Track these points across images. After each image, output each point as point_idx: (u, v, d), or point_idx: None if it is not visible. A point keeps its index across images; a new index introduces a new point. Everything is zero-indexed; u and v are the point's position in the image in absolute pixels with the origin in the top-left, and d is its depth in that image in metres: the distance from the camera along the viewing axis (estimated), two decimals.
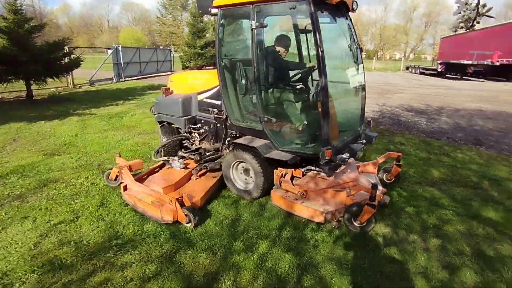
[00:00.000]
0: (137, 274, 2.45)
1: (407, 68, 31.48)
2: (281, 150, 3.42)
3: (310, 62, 4.00)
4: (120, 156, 3.85)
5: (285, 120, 3.63)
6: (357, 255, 2.79)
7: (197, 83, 4.29)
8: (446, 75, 25.09)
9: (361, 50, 3.60)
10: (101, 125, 7.14)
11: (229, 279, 2.44)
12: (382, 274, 2.56)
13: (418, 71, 28.63)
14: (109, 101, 10.17)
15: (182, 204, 3.06)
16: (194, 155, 3.95)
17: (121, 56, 16.30)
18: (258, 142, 3.45)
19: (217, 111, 3.94)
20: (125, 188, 3.51)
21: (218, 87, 3.84)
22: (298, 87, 3.65)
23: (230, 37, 3.73)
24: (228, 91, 3.69)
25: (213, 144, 4.23)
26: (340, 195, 3.30)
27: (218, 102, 3.97)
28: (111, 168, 3.85)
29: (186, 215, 3.01)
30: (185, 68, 22.65)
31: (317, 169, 3.56)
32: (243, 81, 3.59)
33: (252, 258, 2.69)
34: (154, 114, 4.75)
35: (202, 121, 4.27)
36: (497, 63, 19.89)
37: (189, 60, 21.82)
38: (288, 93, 3.74)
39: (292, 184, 3.50)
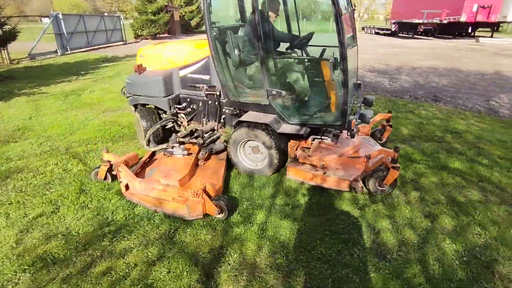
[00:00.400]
0: (140, 259, 2.38)
1: (363, 28, 32.06)
2: (291, 124, 3.31)
3: (298, 29, 3.87)
4: (108, 151, 3.32)
5: (292, 91, 3.44)
6: (349, 214, 2.95)
7: (177, 57, 3.82)
8: (399, 34, 26.04)
9: (354, 10, 3.49)
10: (57, 105, 6.48)
11: (234, 251, 2.47)
12: (375, 229, 2.75)
13: (373, 31, 29.33)
14: (59, 77, 9.18)
15: (208, 195, 2.80)
16: (197, 138, 3.61)
17: (63, 25, 14.54)
18: (267, 118, 3.28)
19: (207, 87, 3.64)
20: (127, 187, 3.08)
21: (204, 60, 3.53)
22: (296, 55, 3.48)
23: (218, 2, 3.40)
24: (223, 64, 3.37)
25: (206, 124, 3.91)
26: (359, 161, 3.34)
27: (207, 77, 3.65)
28: (99, 167, 3.37)
29: (216, 205, 2.75)
30: (138, 37, 21.01)
31: (322, 137, 3.54)
32: (241, 52, 3.29)
33: (253, 229, 2.73)
34: (128, 97, 4.17)
35: (188, 100, 3.91)
36: (445, 21, 20.96)
37: (141, 28, 20.22)
38: (292, 63, 3.56)
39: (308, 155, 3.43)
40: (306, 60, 3.68)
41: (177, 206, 2.84)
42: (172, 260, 2.36)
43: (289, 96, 3.33)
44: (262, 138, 3.31)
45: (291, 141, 3.44)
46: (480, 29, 23.06)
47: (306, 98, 3.48)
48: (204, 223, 2.80)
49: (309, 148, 3.58)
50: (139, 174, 3.28)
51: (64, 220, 2.84)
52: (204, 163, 3.50)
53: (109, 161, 3.27)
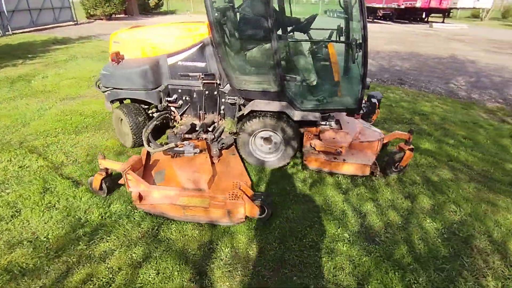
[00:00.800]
0: (123, 261, 2.19)
1: (325, 12, 32.42)
2: (303, 110, 3.15)
3: (290, 12, 3.71)
4: (104, 157, 2.78)
5: (306, 76, 3.27)
6: (335, 199, 2.96)
7: (164, 42, 3.33)
8: None
9: None
10: (2, 92, 5.74)
11: (225, 246, 2.37)
12: (361, 213, 2.80)
13: (335, 15, 29.75)
14: (1, 61, 8.11)
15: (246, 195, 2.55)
16: (207, 133, 3.28)
17: (2, 1, 12.84)
18: (282, 106, 3.13)
19: (203, 76, 3.28)
20: (141, 197, 2.64)
21: (199, 45, 3.18)
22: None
23: None
24: (226, 49, 3.09)
25: (202, 116, 3.54)
26: (373, 145, 3.35)
27: (202, 64, 3.27)
28: (93, 175, 2.85)
29: (258, 206, 2.52)
30: (90, 16, 19.29)
31: (327, 123, 3.49)
32: (246, 36, 3.07)
33: None
34: (104, 92, 3.56)
35: (179, 91, 3.47)
36: (402, 6, 21.79)
37: (94, 7, 18.53)
38: (301, 46, 3.39)
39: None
40: (321, 43, 3.53)
41: (214, 212, 2.52)
42: (159, 260, 2.20)
43: (303, 81, 3.19)
44: (278, 127, 3.16)
45: (306, 129, 3.35)
46: (432, 14, 24.32)
47: (320, 83, 3.34)
48: None
49: (319, 135, 3.49)
50: (145, 179, 2.72)
51: (28, 224, 2.53)
52: (218, 160, 3.16)
53: (106, 169, 2.81)
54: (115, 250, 2.28)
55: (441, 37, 15.17)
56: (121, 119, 3.60)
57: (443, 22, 23.03)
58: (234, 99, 3.37)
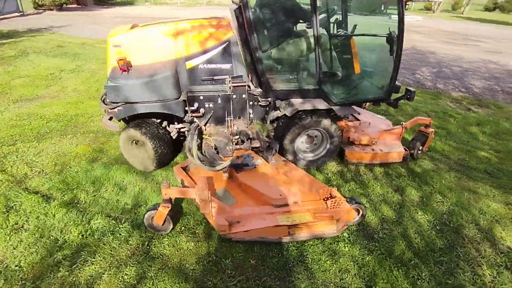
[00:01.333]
0: (115, 285, 1.97)
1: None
2: (339, 105, 3.11)
3: None
4: (169, 185, 2.25)
5: (343, 71, 3.27)
6: None
7: (180, 44, 2.84)
8: None
9: None
10: None
11: (225, 256, 2.22)
12: None
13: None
14: None
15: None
16: (251, 141, 3.09)
17: None
18: (324, 103, 3.06)
19: (230, 79, 2.96)
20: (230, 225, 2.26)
21: (223, 44, 2.85)
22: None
23: None
24: (264, 47, 2.91)
25: (231, 124, 3.24)
26: (397, 132, 3.53)
27: (227, 66, 2.94)
28: (155, 208, 2.30)
29: (355, 209, 2.45)
30: (39, 7, 17.59)
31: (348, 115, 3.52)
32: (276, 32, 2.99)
33: None
34: (113, 109, 2.92)
35: (201, 98, 3.07)
36: None
37: None
38: (328, 40, 3.28)
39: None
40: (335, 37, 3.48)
41: (322, 225, 2.37)
42: (156, 280, 2.01)
43: (341, 76, 3.22)
44: (323, 125, 3.11)
45: (340, 123, 3.35)
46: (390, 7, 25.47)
47: (348, 76, 3.38)
48: (180, 227, 2.47)
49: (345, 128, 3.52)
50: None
51: None
52: (276, 168, 2.93)
53: (170, 199, 2.30)
54: (103, 273, 2.04)
55: None
56: (134, 141, 3.06)
57: None
58: (267, 101, 3.18)
